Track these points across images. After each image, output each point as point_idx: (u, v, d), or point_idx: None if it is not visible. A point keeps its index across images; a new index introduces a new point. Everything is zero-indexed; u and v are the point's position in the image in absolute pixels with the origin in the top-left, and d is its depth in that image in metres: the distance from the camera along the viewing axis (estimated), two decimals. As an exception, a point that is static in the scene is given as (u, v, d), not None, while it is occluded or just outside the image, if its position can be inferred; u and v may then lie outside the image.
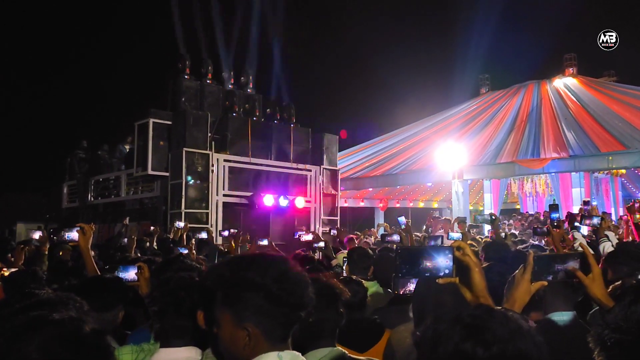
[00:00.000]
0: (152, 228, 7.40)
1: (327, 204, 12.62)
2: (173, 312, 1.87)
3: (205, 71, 11.76)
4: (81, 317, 1.10)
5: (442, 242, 5.70)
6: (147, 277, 2.59)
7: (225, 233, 7.08)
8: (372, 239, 10.15)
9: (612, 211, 18.41)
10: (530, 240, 8.74)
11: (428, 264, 1.42)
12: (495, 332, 0.91)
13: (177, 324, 1.86)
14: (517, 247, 5.48)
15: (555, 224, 3.82)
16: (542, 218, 16.25)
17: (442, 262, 1.42)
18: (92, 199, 12.88)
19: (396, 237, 5.56)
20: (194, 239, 5.81)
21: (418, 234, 8.68)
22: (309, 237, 6.82)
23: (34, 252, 4.75)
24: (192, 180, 9.98)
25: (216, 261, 5.14)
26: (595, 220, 4.29)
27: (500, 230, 7.30)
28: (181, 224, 6.97)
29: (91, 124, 29.45)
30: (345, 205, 21.20)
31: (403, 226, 6.72)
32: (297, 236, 6.91)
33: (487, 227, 12.39)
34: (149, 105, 10.75)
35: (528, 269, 1.55)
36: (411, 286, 2.65)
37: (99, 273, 2.86)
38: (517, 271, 1.61)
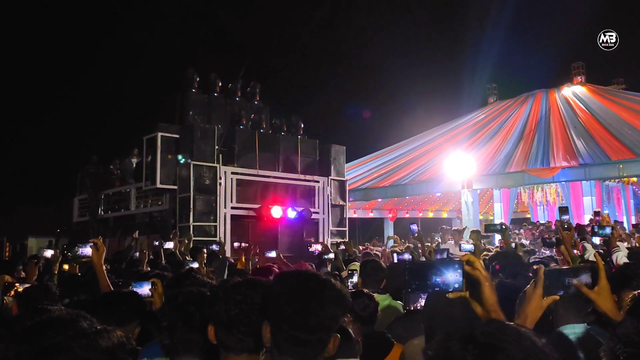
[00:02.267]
0: (155, 243, 7.18)
1: (336, 214, 12.59)
2: (183, 326, 1.87)
3: (213, 84, 11.85)
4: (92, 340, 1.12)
5: (447, 255, 5.62)
6: (161, 292, 2.60)
7: (236, 244, 7.03)
8: (385, 249, 10.10)
9: (624, 220, 18.19)
10: (542, 250, 8.64)
11: (438, 278, 1.40)
12: (509, 352, 0.91)
13: (187, 339, 1.86)
14: (529, 258, 5.42)
15: (566, 225, 3.77)
16: (553, 227, 16.08)
17: (452, 276, 1.40)
18: (103, 212, 12.98)
19: (407, 257, 5.50)
20: (205, 254, 5.77)
21: (427, 243, 8.63)
22: (318, 247, 6.79)
23: (43, 267, 4.77)
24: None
25: (225, 275, 5.14)
26: (607, 230, 4.25)
27: (511, 240, 7.22)
28: (171, 244, 6.52)
29: (101, 139, 29.82)
30: (355, 216, 21.15)
31: (415, 234, 6.70)
32: (315, 252, 6.78)
33: (498, 237, 12.31)
34: (158, 119, 10.86)
35: (539, 283, 1.52)
36: (422, 301, 2.64)
37: (112, 288, 2.87)
38: (528, 286, 1.58)
